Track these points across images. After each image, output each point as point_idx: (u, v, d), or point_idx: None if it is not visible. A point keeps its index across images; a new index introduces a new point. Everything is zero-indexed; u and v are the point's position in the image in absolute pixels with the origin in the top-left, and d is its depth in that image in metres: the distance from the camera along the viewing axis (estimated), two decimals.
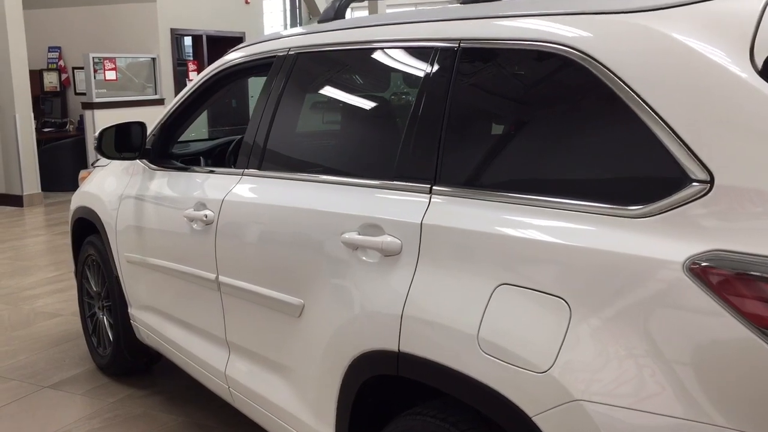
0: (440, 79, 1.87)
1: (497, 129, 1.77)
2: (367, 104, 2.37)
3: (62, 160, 9.90)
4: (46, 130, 10.39)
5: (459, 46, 1.86)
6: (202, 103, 3.18)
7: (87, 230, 3.81)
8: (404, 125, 1.94)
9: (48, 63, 10.95)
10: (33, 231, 7.75)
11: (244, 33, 12.16)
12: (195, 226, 2.68)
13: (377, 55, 2.20)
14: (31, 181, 9.08)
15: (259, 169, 2.49)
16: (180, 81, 11.10)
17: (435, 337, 1.66)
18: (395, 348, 1.76)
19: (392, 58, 2.16)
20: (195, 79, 3.11)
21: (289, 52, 2.52)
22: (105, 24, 10.75)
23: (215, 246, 2.56)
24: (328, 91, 2.53)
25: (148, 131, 3.21)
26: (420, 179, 1.85)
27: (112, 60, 9.89)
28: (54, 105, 10.81)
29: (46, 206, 9.05)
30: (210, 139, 4.02)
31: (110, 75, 9.89)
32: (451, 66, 1.86)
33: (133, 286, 3.34)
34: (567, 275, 1.44)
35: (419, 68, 1.99)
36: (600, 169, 1.49)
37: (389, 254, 1.83)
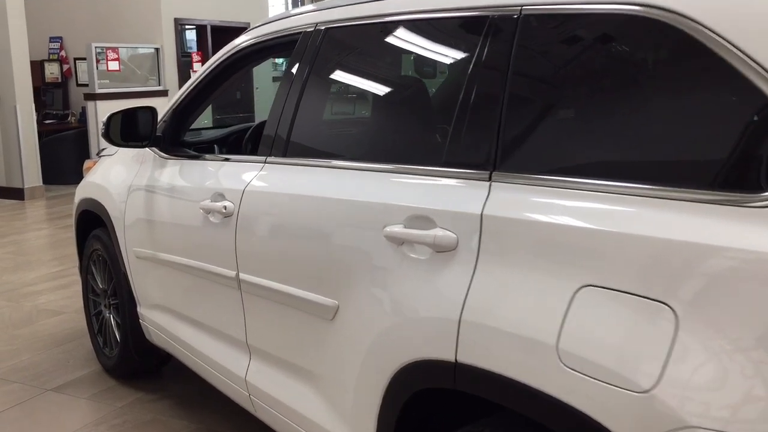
0: (499, 52, 1.65)
1: (571, 106, 1.54)
2: (409, 82, 2.14)
3: (64, 153, 9.67)
4: (47, 122, 10.16)
5: (520, 13, 1.63)
6: (217, 86, 2.96)
7: (92, 223, 3.58)
8: (456, 104, 1.71)
9: (49, 53, 10.71)
10: (35, 225, 7.53)
11: (248, 23, 11.91)
12: (212, 218, 2.45)
13: (420, 28, 1.97)
14: (32, 174, 8.86)
15: (284, 156, 2.27)
16: (184, 72, 10.87)
17: (502, 346, 1.43)
18: (451, 358, 1.53)
19: (439, 30, 1.93)
20: (209, 60, 2.88)
21: (317, 28, 2.30)
22: (107, 14, 10.51)
23: (235, 240, 2.33)
24: (363, 68, 2.29)
25: (159, 117, 2.99)
26: (477, 164, 1.62)
27: (114, 50, 9.67)
28: (55, 96, 10.57)
29: (47, 199, 8.83)
30: (224, 126, 3.79)
31: (113, 66, 9.67)
32: (512, 36, 1.63)
33: (143, 284, 3.11)
34: (672, 276, 1.21)
35: (472, 40, 1.76)
36: (707, 150, 1.26)
37: (442, 250, 1.61)
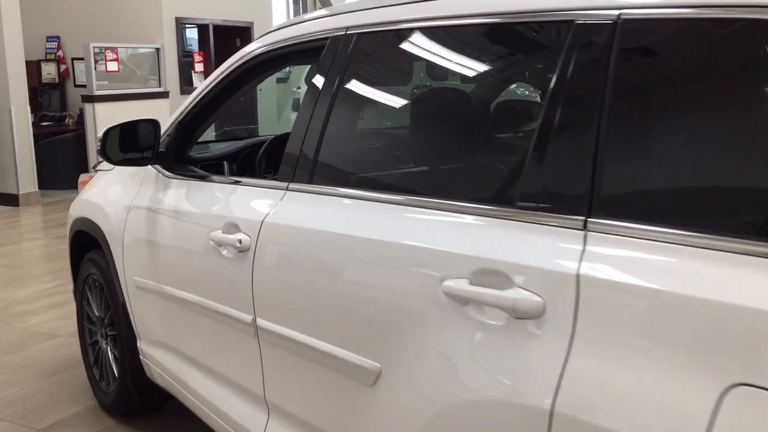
0: (591, 66, 1.32)
1: (698, 133, 1.21)
2: (469, 100, 1.80)
3: (61, 157, 9.32)
4: (43, 124, 9.83)
5: (619, 18, 1.30)
6: (227, 98, 2.62)
7: (88, 245, 3.25)
8: (534, 129, 1.39)
9: (46, 53, 10.39)
10: (29, 234, 7.19)
11: (252, 23, 11.58)
12: (225, 252, 2.12)
13: (481, 34, 1.64)
14: (27, 179, 8.51)
15: (309, 182, 1.94)
16: (185, 72, 10.54)
17: None
18: None
19: (507, 37, 1.59)
20: (218, 69, 2.55)
21: (348, 33, 1.96)
22: (106, 12, 10.16)
23: (252, 280, 2.00)
24: (406, 83, 1.96)
25: (162, 131, 2.66)
26: (565, 207, 1.29)
27: (113, 50, 9.32)
28: (52, 98, 10.23)
29: (43, 206, 8.48)
30: (233, 138, 3.45)
31: (112, 66, 9.31)
32: (608, 46, 1.30)
33: (143, 317, 2.78)
34: None
35: (550, 50, 1.43)
36: None
37: (524, 317, 1.28)
